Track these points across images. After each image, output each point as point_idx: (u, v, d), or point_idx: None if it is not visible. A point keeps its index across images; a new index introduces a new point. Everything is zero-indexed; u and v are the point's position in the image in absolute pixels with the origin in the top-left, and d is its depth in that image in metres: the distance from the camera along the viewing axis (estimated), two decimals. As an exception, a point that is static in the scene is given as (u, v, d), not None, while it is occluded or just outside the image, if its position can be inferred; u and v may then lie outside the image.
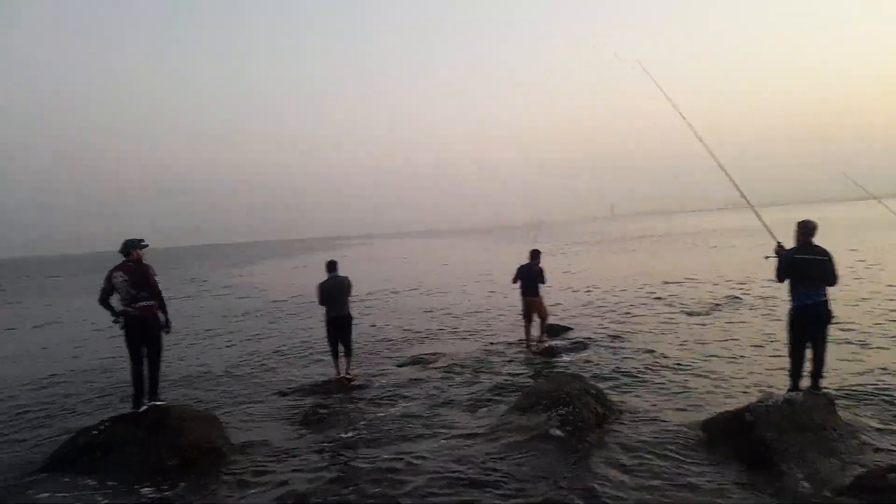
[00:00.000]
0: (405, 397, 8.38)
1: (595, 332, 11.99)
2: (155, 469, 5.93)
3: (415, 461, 5.91)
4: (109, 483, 5.72)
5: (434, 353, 11.09)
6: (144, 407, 6.87)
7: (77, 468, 6.03)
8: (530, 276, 11.06)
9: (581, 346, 10.86)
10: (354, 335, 10.00)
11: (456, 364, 10.11)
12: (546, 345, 10.90)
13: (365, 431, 7.01)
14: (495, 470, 5.60)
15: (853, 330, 10.49)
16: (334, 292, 9.57)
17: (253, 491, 5.55)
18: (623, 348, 10.47)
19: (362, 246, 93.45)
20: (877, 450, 5.67)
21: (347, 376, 9.44)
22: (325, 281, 9.63)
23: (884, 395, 7.20)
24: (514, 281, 11.25)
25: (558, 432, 6.20)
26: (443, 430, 6.88)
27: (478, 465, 5.72)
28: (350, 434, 6.96)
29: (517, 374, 9.27)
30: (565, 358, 10.12)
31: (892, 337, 10.01)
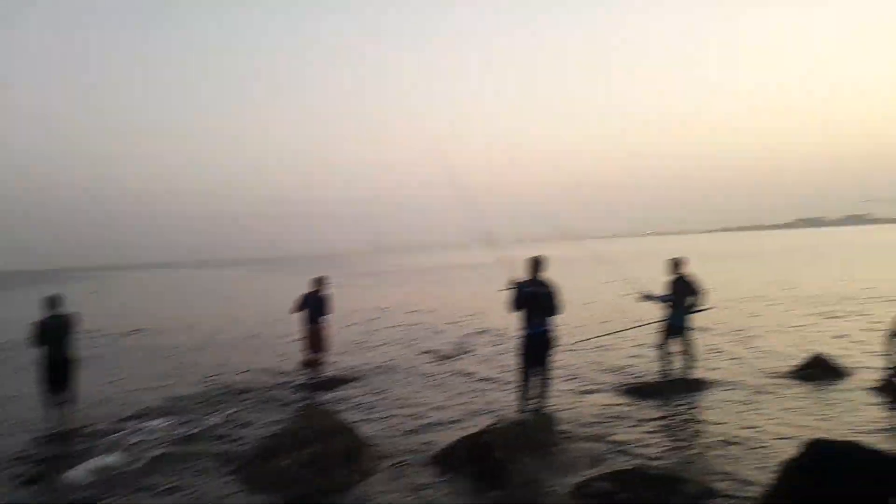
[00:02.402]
0: (130, 446, 7.57)
1: (360, 366, 12.01)
2: None
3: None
4: None
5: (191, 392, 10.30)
6: None
7: None
8: (314, 304, 10.83)
9: (345, 379, 10.81)
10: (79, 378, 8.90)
11: (214, 401, 9.60)
12: (315, 379, 10.71)
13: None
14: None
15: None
16: (53, 331, 8.47)
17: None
18: (386, 382, 10.60)
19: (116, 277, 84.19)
20: (592, 459, 6.37)
21: (70, 427, 8.35)
22: (42, 319, 8.47)
23: (597, 413, 8.15)
24: (297, 310, 10.92)
25: (305, 472, 6.07)
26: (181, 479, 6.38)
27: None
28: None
29: (274, 412, 8.95)
30: (329, 394, 10.00)
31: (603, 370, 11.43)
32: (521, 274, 7.82)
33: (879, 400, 7.95)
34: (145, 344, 17.32)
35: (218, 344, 16.48)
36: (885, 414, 7.44)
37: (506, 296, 7.72)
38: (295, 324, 11.61)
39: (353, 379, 10.89)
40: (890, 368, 8.35)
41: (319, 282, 11.11)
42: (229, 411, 9.11)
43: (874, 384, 8.48)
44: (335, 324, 13.64)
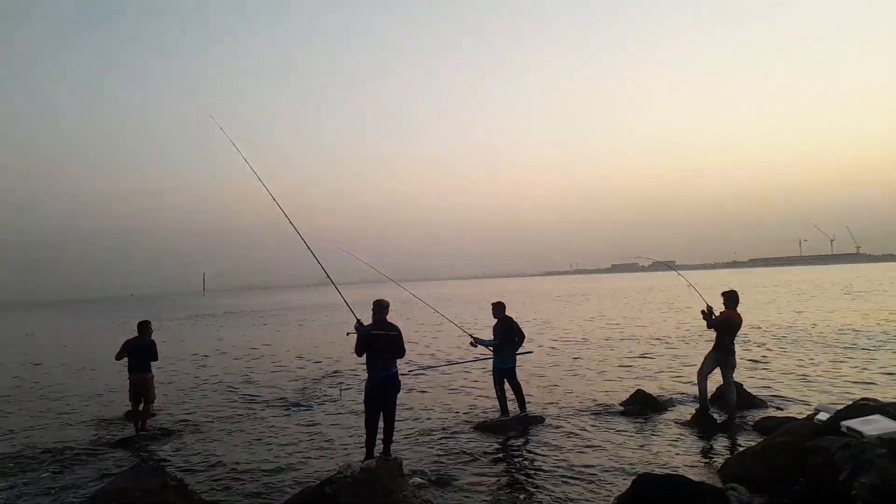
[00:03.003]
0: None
1: (193, 416, 11.18)
2: None
3: None
4: None
5: None
6: None
7: None
8: (140, 351, 9.94)
9: (176, 431, 10.04)
10: None
11: (26, 463, 8.43)
12: (142, 432, 9.81)
13: None
14: None
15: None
16: None
17: None
18: (222, 433, 9.94)
19: None
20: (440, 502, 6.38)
21: None
22: None
23: (441, 453, 8.21)
24: (120, 357, 9.95)
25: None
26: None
27: None
28: None
29: (96, 471, 8.03)
30: (158, 447, 9.18)
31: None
32: (367, 316, 7.78)
33: (694, 432, 8.75)
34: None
35: (24, 396, 14.63)
36: (700, 445, 8.19)
37: (353, 339, 7.62)
38: (118, 372, 10.63)
39: (186, 431, 10.12)
40: (701, 403, 9.25)
41: (144, 326, 10.26)
42: (45, 473, 8.08)
43: (689, 418, 9.34)
44: (164, 371, 12.71)
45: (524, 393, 9.95)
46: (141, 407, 10.06)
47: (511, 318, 9.91)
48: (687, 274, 11.29)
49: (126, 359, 9.95)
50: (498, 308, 9.97)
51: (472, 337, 9.99)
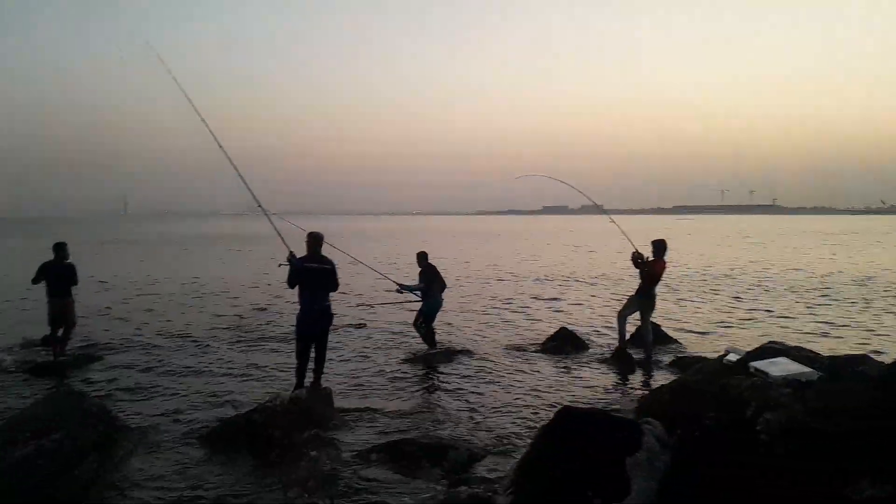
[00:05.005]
0: None
1: (114, 342, 10.89)
2: None
3: None
4: None
5: None
6: None
7: None
8: (57, 274, 9.46)
9: (96, 357, 9.81)
10: None
11: None
12: (61, 357, 9.51)
13: None
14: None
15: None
16: None
17: None
18: (142, 360, 9.71)
19: None
20: (369, 431, 6.50)
21: None
22: None
23: (371, 385, 8.34)
24: (37, 281, 9.42)
25: (46, 464, 5.34)
26: None
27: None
28: None
29: (10, 397, 7.75)
30: (77, 373, 8.92)
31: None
32: (300, 249, 7.64)
33: (613, 369, 9.18)
34: None
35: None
36: (618, 381, 8.62)
37: (286, 271, 7.49)
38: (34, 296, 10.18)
39: (108, 357, 9.84)
40: (620, 342, 9.69)
41: (61, 248, 9.76)
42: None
43: (609, 354, 9.79)
44: (83, 295, 12.25)
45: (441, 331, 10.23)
46: (60, 333, 9.71)
47: (434, 266, 10.34)
48: (616, 218, 11.57)
49: (44, 282, 9.51)
50: (421, 258, 10.44)
51: (397, 284, 10.35)
